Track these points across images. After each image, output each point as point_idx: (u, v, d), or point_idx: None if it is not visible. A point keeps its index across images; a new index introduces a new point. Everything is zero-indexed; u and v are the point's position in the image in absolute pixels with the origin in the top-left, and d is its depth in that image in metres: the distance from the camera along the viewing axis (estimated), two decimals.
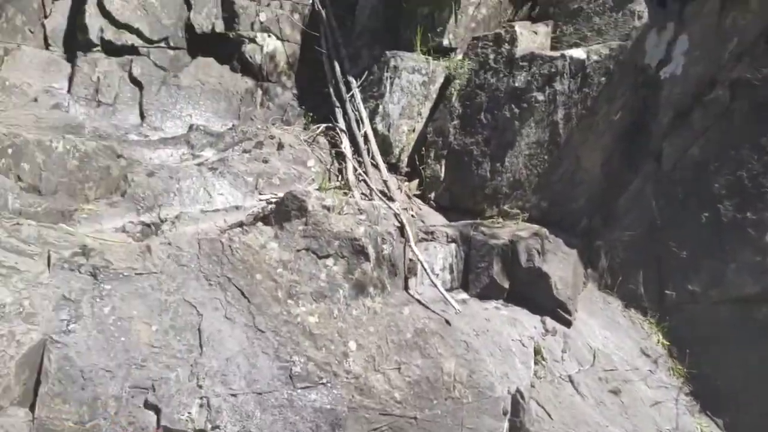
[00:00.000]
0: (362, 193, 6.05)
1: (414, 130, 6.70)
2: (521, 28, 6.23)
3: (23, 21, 6.60)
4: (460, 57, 6.71)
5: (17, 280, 4.06)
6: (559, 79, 5.74)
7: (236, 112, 7.10)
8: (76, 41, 6.77)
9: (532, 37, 6.22)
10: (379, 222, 5.32)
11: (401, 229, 5.37)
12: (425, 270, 5.26)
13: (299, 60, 7.60)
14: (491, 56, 6.29)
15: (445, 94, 6.60)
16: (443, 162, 6.40)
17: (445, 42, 6.81)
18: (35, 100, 6.24)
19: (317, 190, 5.80)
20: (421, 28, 6.83)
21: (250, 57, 7.29)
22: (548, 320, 5.37)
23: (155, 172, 5.57)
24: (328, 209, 5.09)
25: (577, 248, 5.81)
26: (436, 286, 5.21)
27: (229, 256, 4.67)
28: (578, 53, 5.73)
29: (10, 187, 4.87)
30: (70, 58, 6.73)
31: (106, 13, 6.73)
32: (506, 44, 6.20)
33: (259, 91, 7.31)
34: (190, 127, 6.54)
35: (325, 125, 6.81)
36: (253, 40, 7.30)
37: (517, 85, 5.97)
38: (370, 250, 4.98)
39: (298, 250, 4.87)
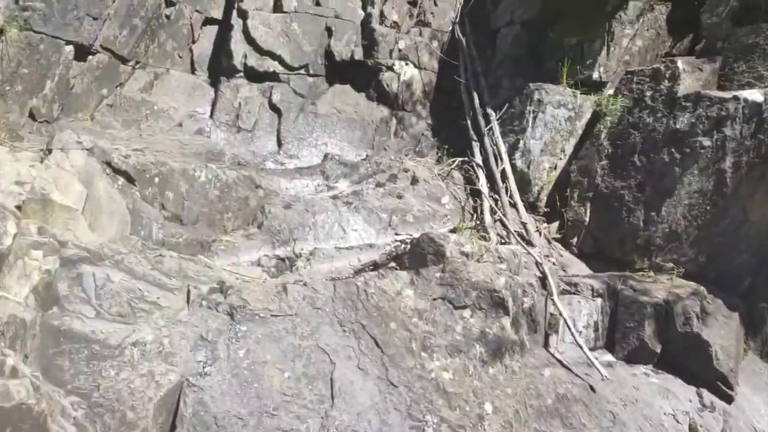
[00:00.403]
0: (498, 235, 5.74)
1: (555, 168, 6.30)
2: (684, 64, 5.68)
3: (173, 46, 6.80)
4: (611, 92, 6.23)
5: (158, 317, 4.07)
6: (729, 124, 5.15)
7: (370, 141, 6.99)
8: (220, 66, 6.93)
9: (696, 75, 5.66)
10: (520, 271, 4.98)
11: (543, 280, 5.00)
12: (568, 327, 4.86)
13: (435, 89, 7.41)
14: (648, 93, 5.78)
15: (593, 131, 6.14)
16: (588, 205, 5.94)
17: (595, 75, 6.38)
18: (180, 124, 6.42)
19: (452, 231, 5.54)
20: (568, 60, 6.44)
21: (387, 85, 7.16)
22: (705, 393, 4.81)
23: (291, 204, 5.53)
24: (467, 256, 4.81)
25: (738, 310, 5.19)
26: (581, 347, 4.79)
27: (364, 302, 4.48)
28: (754, 95, 5.13)
29: (155, 217, 4.95)
30: (214, 83, 6.90)
31: (250, 40, 6.84)
32: (666, 81, 5.68)
33: (394, 120, 7.16)
34: (325, 157, 6.49)
35: (460, 159, 6.55)
36: (390, 68, 7.17)
37: (678, 127, 5.43)
38: (510, 303, 4.64)
39: (434, 299, 4.61)
